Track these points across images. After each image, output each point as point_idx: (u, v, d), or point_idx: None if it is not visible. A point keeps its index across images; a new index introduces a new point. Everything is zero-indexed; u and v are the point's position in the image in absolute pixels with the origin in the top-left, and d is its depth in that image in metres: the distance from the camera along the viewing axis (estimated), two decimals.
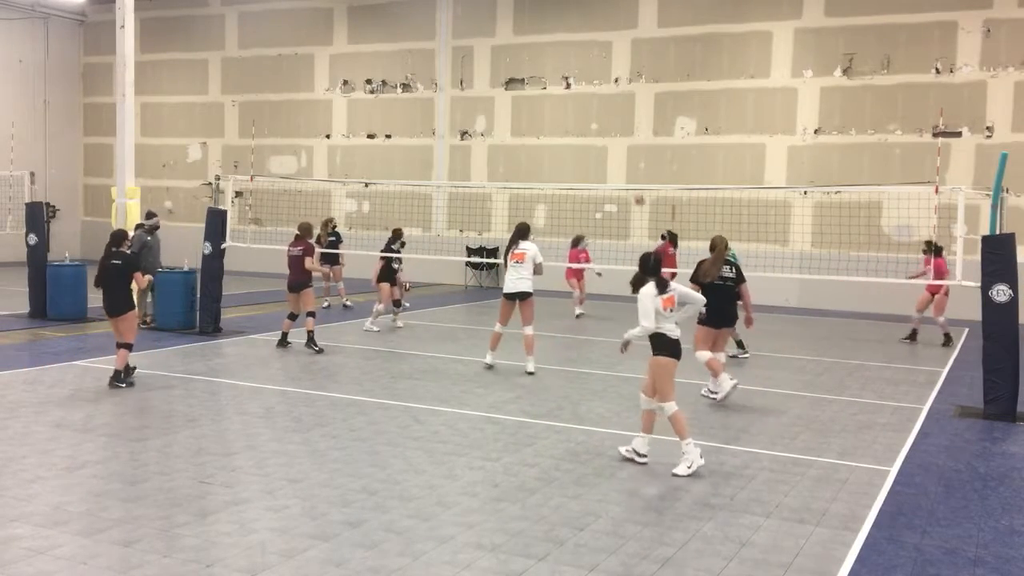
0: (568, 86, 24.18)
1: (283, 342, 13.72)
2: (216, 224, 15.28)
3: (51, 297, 16.24)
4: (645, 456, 8.02)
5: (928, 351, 15.37)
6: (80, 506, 6.58)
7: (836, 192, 20.32)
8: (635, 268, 8.12)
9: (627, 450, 8.13)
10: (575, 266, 18.07)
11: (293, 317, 13.81)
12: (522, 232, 12.34)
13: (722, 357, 10.77)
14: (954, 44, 20.43)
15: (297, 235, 14.01)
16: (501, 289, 12.68)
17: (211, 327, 14.99)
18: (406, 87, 26.18)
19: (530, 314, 12.22)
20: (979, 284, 10.52)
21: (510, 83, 24.86)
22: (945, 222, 18.18)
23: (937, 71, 20.59)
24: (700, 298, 8.32)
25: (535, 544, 6.06)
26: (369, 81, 26.61)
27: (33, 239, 16.81)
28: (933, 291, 15.74)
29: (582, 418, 9.74)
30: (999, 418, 10.17)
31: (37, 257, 16.70)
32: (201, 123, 29.04)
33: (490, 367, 12.42)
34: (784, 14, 21.86)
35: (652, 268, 7.94)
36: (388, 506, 6.71)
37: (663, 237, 18.45)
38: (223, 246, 15.33)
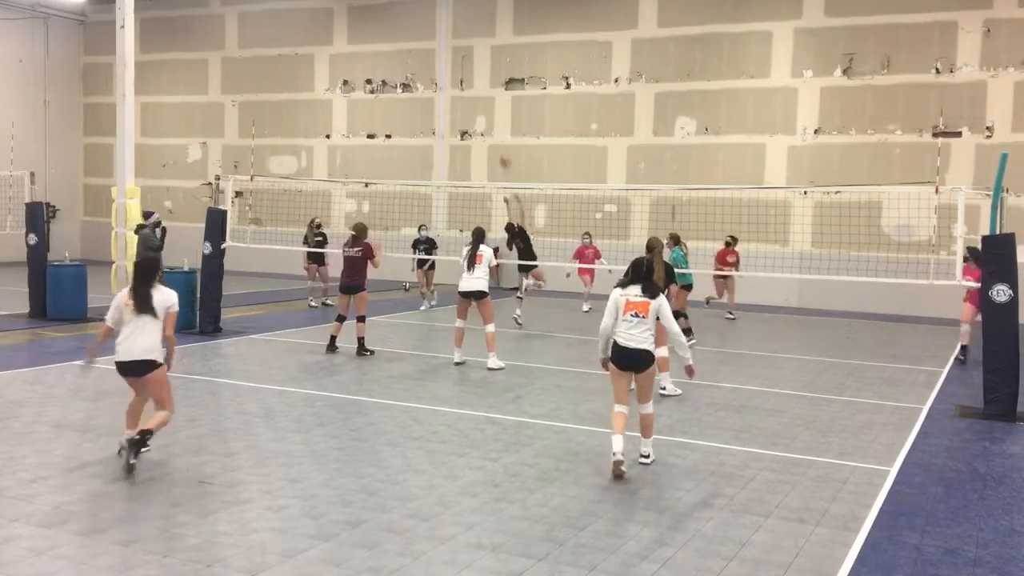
0: (568, 86, 24.17)
1: (332, 346, 13.31)
2: (216, 224, 15.28)
3: (51, 297, 16.22)
4: (645, 456, 8.04)
5: (928, 351, 15.36)
6: (80, 506, 6.57)
7: (836, 192, 20.31)
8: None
9: (643, 455, 8.06)
10: (586, 266, 19.02)
11: (342, 319, 13.43)
12: (480, 236, 13.21)
13: (664, 351, 10.77)
14: (954, 44, 20.42)
15: (353, 235, 13.62)
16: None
17: (211, 327, 14.98)
18: (406, 87, 26.17)
19: (488, 313, 12.62)
20: (979, 284, 10.53)
21: (510, 83, 24.84)
22: (945, 222, 18.18)
23: (937, 71, 20.58)
24: (677, 331, 7.94)
25: (535, 544, 6.06)
26: (369, 81, 26.60)
27: (33, 239, 16.79)
28: (976, 301, 12.91)
29: (582, 418, 9.73)
30: (999, 418, 10.16)
31: (37, 257, 16.68)
32: (201, 123, 29.02)
33: (460, 364, 12.58)
34: (784, 14, 21.84)
35: (644, 275, 7.90)
36: (388, 506, 6.71)
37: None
38: (223, 246, 15.33)
